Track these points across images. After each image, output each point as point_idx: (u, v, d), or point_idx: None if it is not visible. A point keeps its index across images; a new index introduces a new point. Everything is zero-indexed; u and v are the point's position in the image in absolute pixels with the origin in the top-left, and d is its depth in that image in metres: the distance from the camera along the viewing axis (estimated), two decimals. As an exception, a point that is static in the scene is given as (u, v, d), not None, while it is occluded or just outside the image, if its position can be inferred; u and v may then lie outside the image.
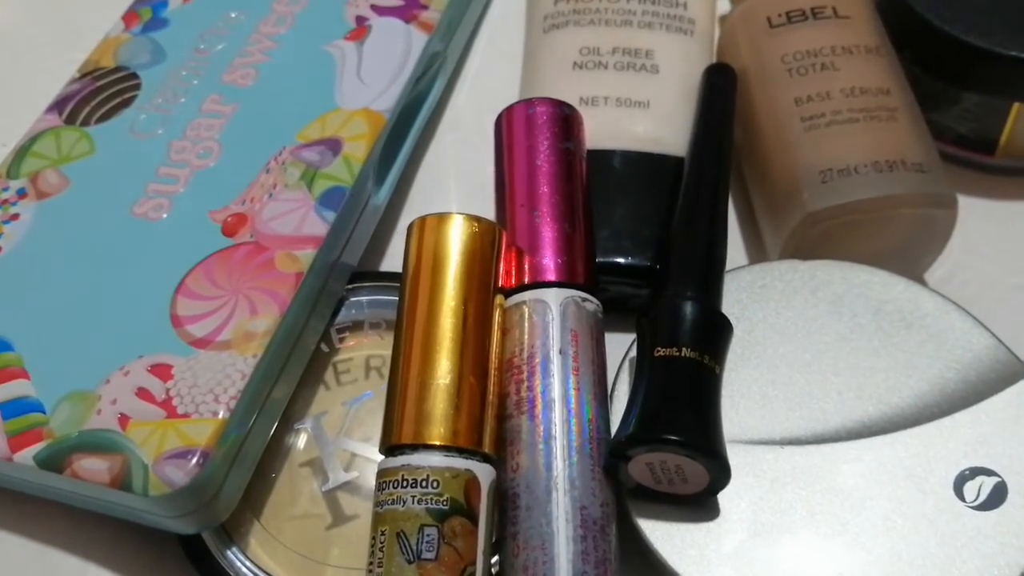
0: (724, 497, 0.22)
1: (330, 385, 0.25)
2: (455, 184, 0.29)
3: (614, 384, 0.23)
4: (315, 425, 0.24)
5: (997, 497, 0.22)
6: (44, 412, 0.22)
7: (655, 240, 0.25)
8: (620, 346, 0.24)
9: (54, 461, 0.21)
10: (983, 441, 0.23)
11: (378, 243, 0.28)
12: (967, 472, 0.22)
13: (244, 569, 0.23)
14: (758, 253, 0.28)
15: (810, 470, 0.22)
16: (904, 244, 0.26)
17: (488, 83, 0.31)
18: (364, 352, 0.25)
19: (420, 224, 0.23)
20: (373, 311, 0.26)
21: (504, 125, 0.25)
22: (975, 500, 0.22)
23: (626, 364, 0.24)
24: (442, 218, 0.23)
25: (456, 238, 0.23)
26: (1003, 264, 0.28)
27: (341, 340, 0.26)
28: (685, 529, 0.22)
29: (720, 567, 0.21)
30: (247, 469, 0.23)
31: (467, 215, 0.23)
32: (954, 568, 0.21)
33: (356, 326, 0.26)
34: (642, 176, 0.26)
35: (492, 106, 0.26)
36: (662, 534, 0.22)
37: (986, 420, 0.23)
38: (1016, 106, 0.27)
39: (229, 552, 0.23)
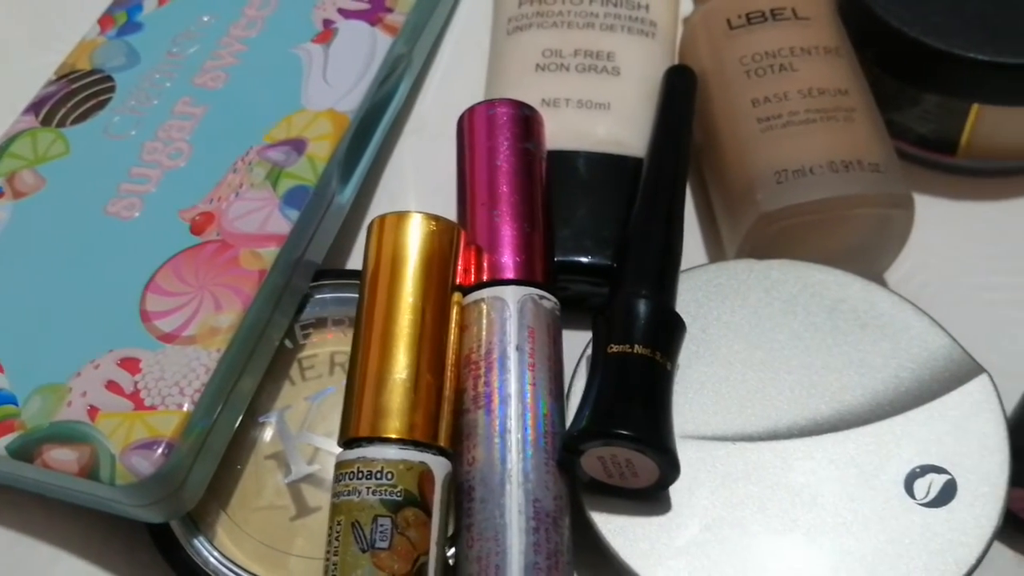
0: (677, 492, 0.22)
1: (295, 381, 0.26)
2: (421, 184, 0.30)
3: (571, 380, 0.24)
4: (278, 419, 0.25)
5: (947, 494, 0.22)
6: (16, 404, 0.22)
7: (615, 239, 0.26)
8: (581, 343, 0.24)
9: (25, 451, 0.22)
10: (935, 439, 0.23)
11: (344, 241, 0.28)
12: (918, 469, 0.23)
13: (211, 558, 0.23)
14: (718, 252, 0.28)
15: (762, 466, 0.23)
16: (861, 244, 0.26)
17: (454, 85, 0.31)
18: (328, 348, 0.26)
19: (380, 222, 0.24)
20: (337, 308, 0.26)
21: (466, 125, 0.26)
22: (925, 497, 0.22)
23: (583, 361, 0.24)
24: (401, 217, 0.23)
25: (415, 236, 0.23)
26: (963, 264, 0.28)
27: (305, 336, 0.26)
28: (637, 523, 0.22)
29: (671, 560, 0.22)
30: (212, 460, 0.23)
31: (426, 214, 0.23)
32: (903, 564, 0.22)
33: (320, 323, 0.26)
34: (603, 177, 0.26)
35: (458, 108, 0.26)
36: (614, 527, 0.22)
37: (938, 418, 0.23)
38: (975, 107, 0.27)
39: (196, 541, 0.23)
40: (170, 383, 0.22)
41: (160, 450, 0.21)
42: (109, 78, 0.28)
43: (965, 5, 0.27)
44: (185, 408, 0.22)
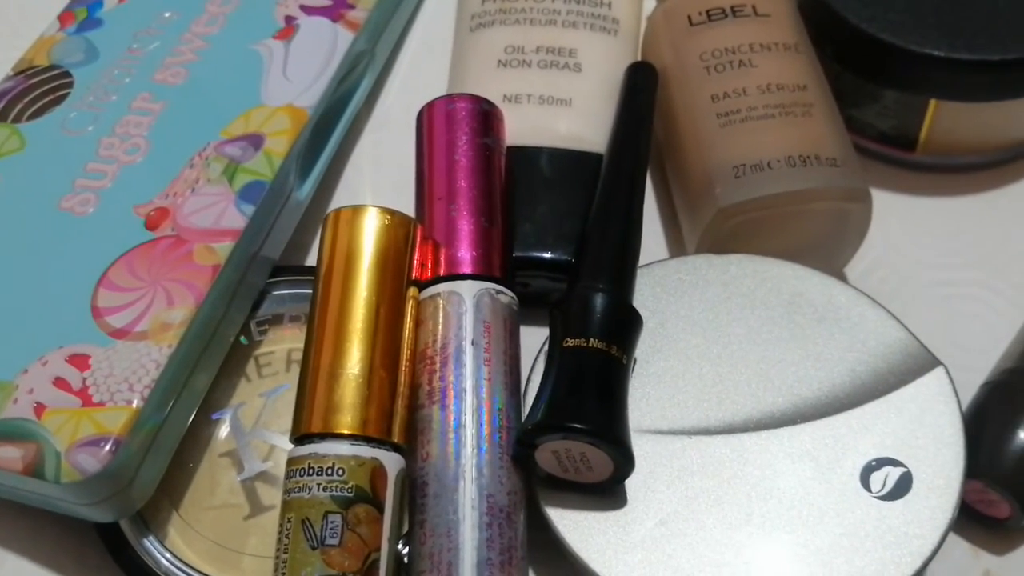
0: (633, 486, 0.22)
1: (251, 377, 0.25)
2: (382, 181, 0.30)
3: (529, 375, 0.24)
4: (232, 416, 0.25)
5: (902, 487, 0.22)
6: (-38, 402, 0.22)
7: (576, 235, 0.25)
8: (541, 339, 0.24)
9: (-31, 450, 0.21)
10: (890, 432, 0.23)
11: (303, 238, 0.28)
12: (874, 462, 0.23)
13: (162, 559, 0.23)
14: (679, 248, 0.28)
15: (718, 460, 0.23)
16: (820, 238, 0.26)
17: (418, 82, 0.31)
18: (285, 345, 0.26)
19: (335, 216, 0.23)
20: (294, 305, 0.26)
21: (425, 120, 0.26)
22: (881, 490, 0.22)
23: (541, 356, 0.24)
24: (356, 210, 0.23)
25: (370, 230, 0.23)
26: (923, 259, 0.28)
27: (262, 333, 0.26)
28: (593, 517, 0.22)
29: (627, 555, 0.22)
30: (163, 458, 0.23)
31: (381, 208, 0.23)
32: (858, 557, 0.22)
33: (277, 319, 0.26)
34: (564, 173, 0.26)
35: (421, 104, 0.26)
36: (570, 522, 0.22)
37: (894, 411, 0.23)
38: (933, 103, 0.27)
39: (146, 541, 0.23)
40: (119, 379, 0.22)
41: (107, 447, 0.21)
42: (67, 74, 0.27)
43: (922, 2, 0.27)
44: (134, 404, 0.21)
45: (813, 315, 0.24)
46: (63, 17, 0.29)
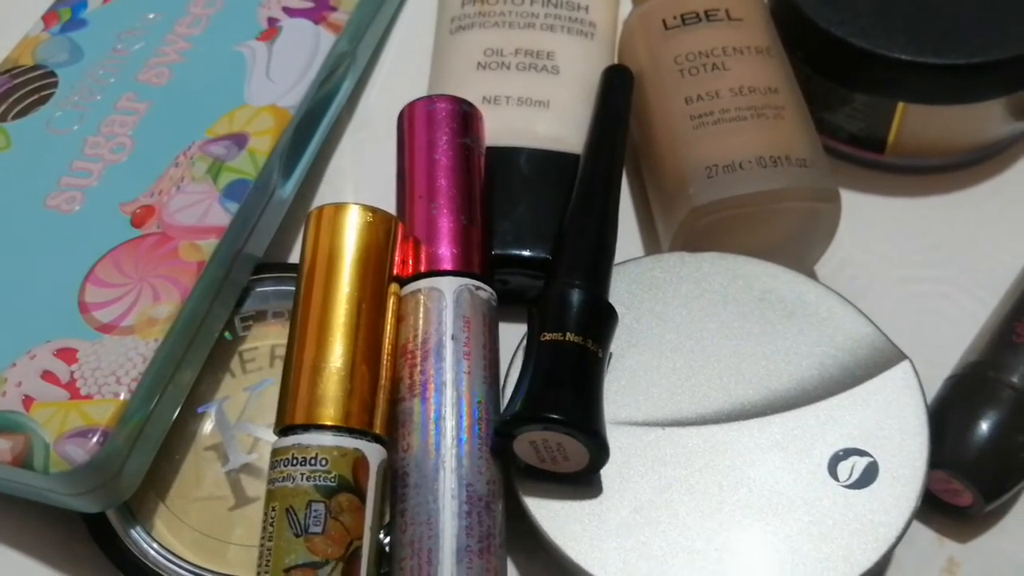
0: (608, 476, 0.23)
1: (236, 373, 0.26)
2: (364, 180, 0.30)
3: (508, 370, 0.24)
4: (217, 409, 0.25)
5: (868, 476, 0.23)
6: (-50, 396, 0.22)
7: (554, 234, 0.26)
8: (519, 335, 0.25)
9: (-42, 442, 0.22)
10: (857, 423, 0.24)
11: (286, 236, 0.28)
12: (841, 452, 0.23)
13: (149, 549, 0.23)
14: (654, 246, 0.29)
15: (690, 450, 0.23)
16: (790, 237, 0.27)
17: (399, 83, 0.32)
18: (269, 341, 0.26)
19: (318, 214, 0.24)
20: (278, 301, 0.27)
21: (406, 120, 0.27)
22: (848, 479, 0.23)
23: (520, 351, 0.25)
24: (339, 208, 0.24)
25: (352, 227, 0.24)
26: (890, 258, 0.29)
27: (246, 329, 0.26)
28: (569, 506, 0.23)
29: (602, 543, 0.22)
30: (150, 450, 0.23)
31: (363, 205, 0.24)
32: (826, 544, 0.22)
33: (260, 315, 0.27)
34: (542, 173, 0.27)
35: (402, 105, 0.27)
36: (547, 511, 0.23)
37: (861, 403, 0.24)
38: (901, 106, 0.28)
39: (133, 531, 0.24)
40: (107, 372, 0.22)
41: (95, 438, 0.21)
42: (52, 74, 0.28)
43: (890, 7, 0.28)
44: (121, 397, 0.22)
45: (783, 311, 0.25)
46: (47, 17, 0.29)
